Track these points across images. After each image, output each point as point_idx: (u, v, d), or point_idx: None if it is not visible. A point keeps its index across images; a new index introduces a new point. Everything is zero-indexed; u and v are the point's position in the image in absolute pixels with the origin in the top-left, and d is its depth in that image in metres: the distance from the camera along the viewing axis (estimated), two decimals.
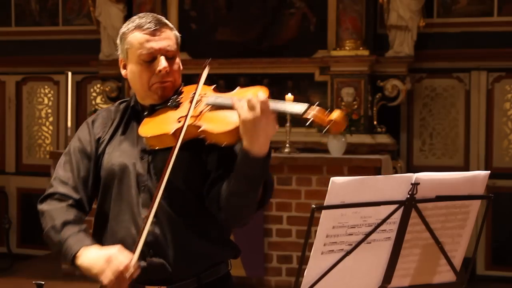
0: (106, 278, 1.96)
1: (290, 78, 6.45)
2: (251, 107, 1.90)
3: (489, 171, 1.87)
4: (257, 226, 5.53)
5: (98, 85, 7.33)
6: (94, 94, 7.53)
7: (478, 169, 6.11)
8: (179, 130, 2.04)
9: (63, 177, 2.22)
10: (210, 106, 2.07)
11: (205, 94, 2.12)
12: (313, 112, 1.90)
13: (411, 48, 6.33)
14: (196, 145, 2.07)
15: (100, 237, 2.21)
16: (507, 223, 6.41)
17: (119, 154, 2.20)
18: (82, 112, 7.52)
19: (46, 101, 7.68)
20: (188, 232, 2.12)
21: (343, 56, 6.20)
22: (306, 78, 6.46)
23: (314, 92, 6.45)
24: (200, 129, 2.03)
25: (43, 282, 2.13)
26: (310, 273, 1.73)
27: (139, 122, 2.21)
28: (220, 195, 2.06)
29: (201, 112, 2.07)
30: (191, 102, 2.09)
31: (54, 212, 2.17)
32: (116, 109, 2.31)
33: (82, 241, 2.09)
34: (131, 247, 2.06)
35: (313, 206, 1.68)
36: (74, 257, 2.06)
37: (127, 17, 6.79)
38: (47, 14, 7.57)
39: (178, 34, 2.23)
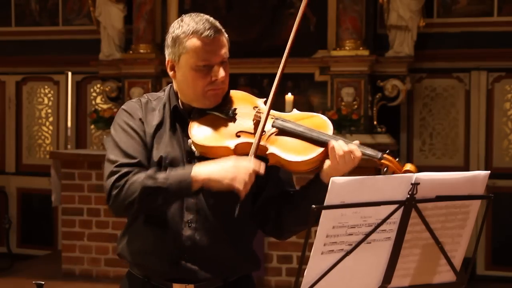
0: (241, 183, 1.95)
1: (290, 78, 6.45)
2: (351, 159, 2.00)
3: (489, 171, 1.87)
4: None
5: (98, 85, 7.34)
6: (94, 94, 7.53)
7: (478, 169, 6.11)
8: (240, 147, 2.04)
9: (125, 162, 2.09)
10: (277, 130, 2.08)
11: (272, 115, 2.10)
12: (388, 159, 2.00)
13: (411, 48, 6.33)
14: None
15: (135, 234, 2.18)
16: (507, 223, 6.42)
17: (169, 152, 2.13)
18: (82, 112, 7.52)
19: (46, 101, 7.68)
20: (224, 244, 2.14)
21: (343, 56, 6.20)
22: (306, 78, 6.46)
23: (314, 92, 6.46)
24: (268, 151, 2.04)
25: (43, 282, 2.13)
26: (310, 273, 1.73)
27: (182, 124, 2.16)
28: (279, 215, 2.14)
29: (266, 132, 2.06)
30: (256, 123, 2.08)
31: (136, 175, 2.05)
32: (148, 102, 2.23)
33: (186, 168, 2.04)
34: (167, 249, 2.10)
35: (313, 206, 1.69)
36: (191, 179, 2.00)
37: (127, 17, 6.82)
38: (47, 14, 7.57)
39: (227, 37, 2.19)
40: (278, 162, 2.04)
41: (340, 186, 1.69)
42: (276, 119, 2.11)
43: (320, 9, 6.41)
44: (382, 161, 1.99)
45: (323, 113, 6.61)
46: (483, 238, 6.45)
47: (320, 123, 2.12)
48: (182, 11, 6.68)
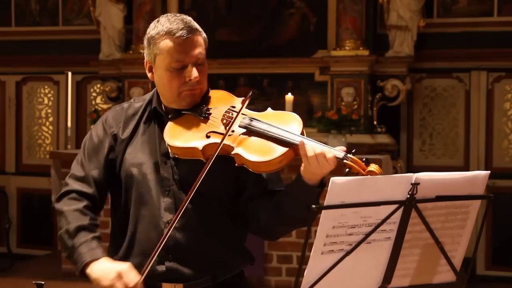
0: None
1: (290, 78, 6.45)
2: (325, 161, 1.95)
3: (489, 171, 1.87)
4: None
5: (98, 85, 7.34)
6: (94, 94, 7.53)
7: (478, 169, 6.11)
8: (208, 148, 2.04)
9: (77, 173, 2.22)
10: (244, 129, 2.07)
11: (242, 114, 2.10)
12: (352, 160, 1.95)
13: (411, 48, 6.33)
14: (225, 158, 2.06)
15: (118, 239, 2.21)
16: (507, 223, 6.41)
17: (141, 156, 2.17)
18: (82, 112, 7.52)
19: (46, 101, 7.68)
20: (208, 240, 2.14)
21: (343, 56, 6.20)
22: (306, 78, 6.46)
23: (314, 92, 6.46)
24: (233, 151, 2.03)
25: (43, 282, 2.12)
26: (310, 273, 1.73)
27: (160, 124, 2.18)
28: (261, 213, 2.11)
29: (236, 132, 2.06)
30: (226, 123, 2.09)
31: (69, 215, 2.16)
32: (130, 106, 2.28)
33: (93, 251, 2.08)
34: (150, 251, 2.08)
35: (313, 206, 1.68)
36: (84, 266, 2.06)
37: (127, 17, 6.81)
38: (47, 14, 7.57)
39: (206, 36, 2.20)
40: (243, 163, 2.03)
41: (340, 186, 1.69)
42: (244, 118, 2.10)
43: (320, 9, 6.41)
44: (345, 161, 1.96)
45: (323, 113, 6.60)
46: (483, 238, 6.45)
47: (290, 121, 2.09)
48: (182, 11, 6.68)
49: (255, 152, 2.02)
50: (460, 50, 6.53)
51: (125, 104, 2.30)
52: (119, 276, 1.98)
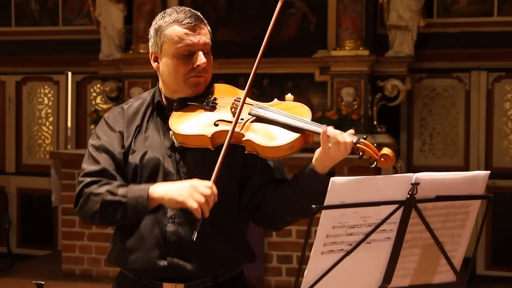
0: (196, 201, 1.96)
1: (290, 78, 6.45)
2: (344, 148, 1.96)
3: (489, 171, 1.87)
4: (257, 226, 5.52)
5: (98, 85, 7.34)
6: (94, 94, 7.53)
7: (478, 169, 6.11)
8: (217, 135, 2.05)
9: (91, 170, 2.15)
10: (254, 117, 2.09)
11: (249, 103, 2.13)
12: (364, 144, 1.97)
13: (411, 48, 6.33)
14: (232, 151, 2.07)
15: (122, 234, 2.20)
16: (507, 223, 6.42)
17: (146, 152, 2.16)
18: (82, 112, 7.52)
19: (46, 101, 7.68)
20: (211, 236, 2.13)
21: (343, 56, 6.20)
22: (306, 78, 6.46)
23: (314, 92, 6.46)
24: (244, 138, 2.04)
25: (43, 282, 2.13)
26: (310, 273, 1.73)
27: (163, 119, 2.18)
28: (268, 203, 2.13)
29: (244, 120, 2.08)
30: (234, 108, 2.11)
31: (100, 187, 2.10)
32: (130, 106, 2.26)
33: (147, 184, 2.07)
34: (153, 246, 2.10)
35: (313, 206, 1.68)
36: (148, 195, 2.02)
37: (127, 17, 6.81)
38: (47, 14, 7.57)
39: (210, 30, 2.23)
40: (254, 149, 2.04)
41: (340, 186, 1.69)
42: (254, 106, 2.12)
43: (320, 9, 6.41)
44: (358, 145, 1.98)
45: (323, 113, 6.60)
46: (483, 238, 6.45)
47: (299, 110, 2.12)
48: None
49: (266, 138, 2.03)
50: (460, 50, 6.53)
51: (124, 106, 2.29)
52: (194, 188, 1.98)
